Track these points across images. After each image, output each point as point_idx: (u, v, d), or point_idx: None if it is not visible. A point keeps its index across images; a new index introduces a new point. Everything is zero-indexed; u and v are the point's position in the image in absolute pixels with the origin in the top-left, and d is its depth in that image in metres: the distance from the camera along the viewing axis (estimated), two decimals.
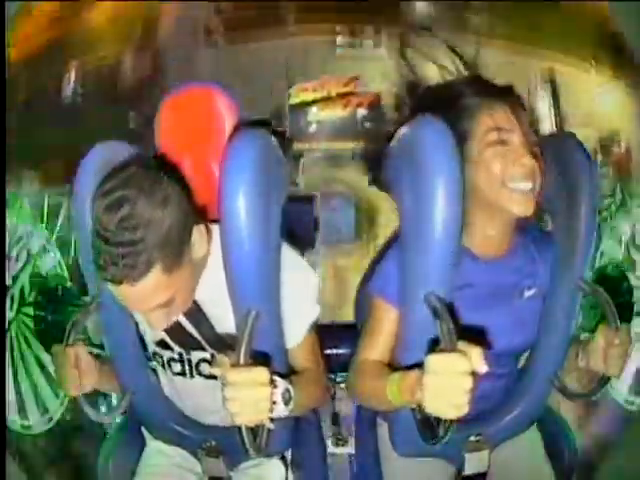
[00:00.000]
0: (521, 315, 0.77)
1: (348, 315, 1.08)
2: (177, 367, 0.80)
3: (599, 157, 1.41)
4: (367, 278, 0.83)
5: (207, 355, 0.78)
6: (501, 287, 0.76)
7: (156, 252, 0.61)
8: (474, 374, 0.52)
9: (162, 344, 0.79)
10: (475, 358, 0.53)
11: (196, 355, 0.79)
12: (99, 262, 0.61)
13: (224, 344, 0.75)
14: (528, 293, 0.78)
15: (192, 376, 0.80)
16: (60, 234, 1.11)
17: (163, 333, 0.78)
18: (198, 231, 0.68)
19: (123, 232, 0.59)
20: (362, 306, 0.84)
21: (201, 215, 0.70)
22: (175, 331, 0.77)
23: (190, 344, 0.78)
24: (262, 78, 1.80)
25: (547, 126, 1.51)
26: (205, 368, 0.79)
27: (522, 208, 0.69)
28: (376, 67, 1.94)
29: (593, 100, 1.47)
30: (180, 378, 0.81)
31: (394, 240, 0.78)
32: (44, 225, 1.10)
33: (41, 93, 1.39)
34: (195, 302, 0.75)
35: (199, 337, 0.77)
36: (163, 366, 0.81)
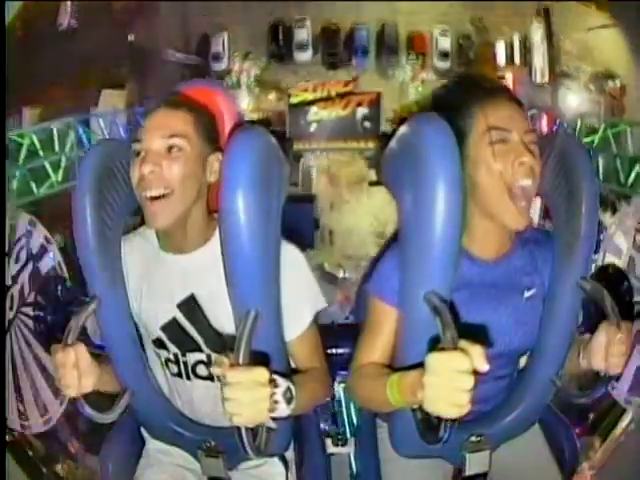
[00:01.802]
0: (521, 315, 0.77)
1: None
2: (174, 368, 0.80)
3: (592, 88, 1.45)
4: (367, 278, 0.83)
5: (203, 357, 0.78)
6: (500, 288, 0.76)
7: (196, 115, 0.74)
8: (475, 373, 0.52)
9: (159, 343, 0.79)
10: (476, 357, 0.52)
11: (192, 357, 0.79)
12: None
13: (221, 344, 0.76)
14: (528, 293, 0.77)
15: (189, 378, 0.80)
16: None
17: (160, 332, 0.78)
18: (215, 158, 0.75)
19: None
20: (363, 306, 0.84)
21: (220, 147, 0.77)
22: (172, 329, 0.77)
23: (186, 344, 0.78)
24: None
25: (540, 60, 1.56)
26: (202, 370, 0.79)
27: (515, 224, 0.70)
28: None
29: (590, 37, 1.51)
30: (178, 380, 0.81)
31: (393, 241, 0.78)
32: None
33: (37, 20, 1.45)
34: (193, 296, 0.75)
35: (196, 335, 0.77)
36: (162, 366, 0.81)
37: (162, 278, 0.77)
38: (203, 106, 0.77)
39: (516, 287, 0.77)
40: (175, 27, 1.69)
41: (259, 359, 0.61)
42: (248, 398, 0.57)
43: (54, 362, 0.66)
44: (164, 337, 0.78)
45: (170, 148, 0.71)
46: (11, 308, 1.01)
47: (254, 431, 0.60)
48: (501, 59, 1.60)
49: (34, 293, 1.00)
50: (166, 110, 0.73)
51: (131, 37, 1.64)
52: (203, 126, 0.74)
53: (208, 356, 0.78)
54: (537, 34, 1.60)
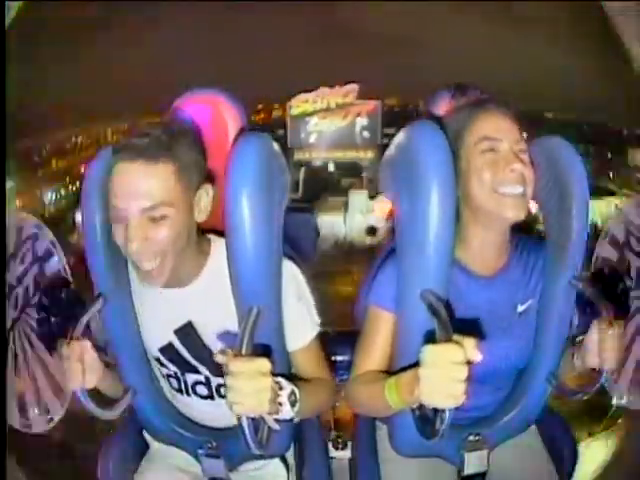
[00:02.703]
0: (516, 331, 0.78)
1: None
2: (175, 383, 0.81)
3: None
4: (364, 292, 0.84)
5: (202, 378, 0.79)
6: (496, 304, 0.77)
7: (177, 155, 0.66)
8: (469, 363, 0.54)
9: (158, 361, 0.80)
10: (469, 348, 0.54)
11: (191, 377, 0.79)
12: (127, 140, 0.64)
13: (219, 366, 0.75)
14: (521, 307, 0.79)
15: (189, 394, 0.81)
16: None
17: (158, 353, 0.78)
18: (206, 190, 0.71)
19: (158, 128, 0.67)
20: (361, 318, 0.85)
21: (212, 180, 0.73)
22: (169, 352, 0.78)
23: (184, 366, 0.78)
24: None
25: None
26: (201, 389, 0.80)
27: (514, 212, 0.71)
28: None
29: None
30: (178, 394, 0.82)
31: (389, 250, 0.80)
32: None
33: None
34: (190, 323, 0.76)
35: (192, 359, 0.78)
36: (163, 378, 0.82)
37: (158, 307, 0.76)
38: (188, 129, 0.70)
39: (510, 303, 0.78)
40: None
41: (260, 353, 0.62)
42: (250, 387, 0.58)
43: (59, 355, 0.67)
44: (162, 358, 0.79)
45: (153, 219, 0.65)
46: (15, 308, 1.02)
47: (255, 424, 0.61)
48: None
49: (39, 295, 1.01)
50: (143, 166, 0.63)
51: None
52: (187, 167, 0.67)
53: (206, 378, 0.78)
54: None
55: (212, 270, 0.75)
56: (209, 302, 0.74)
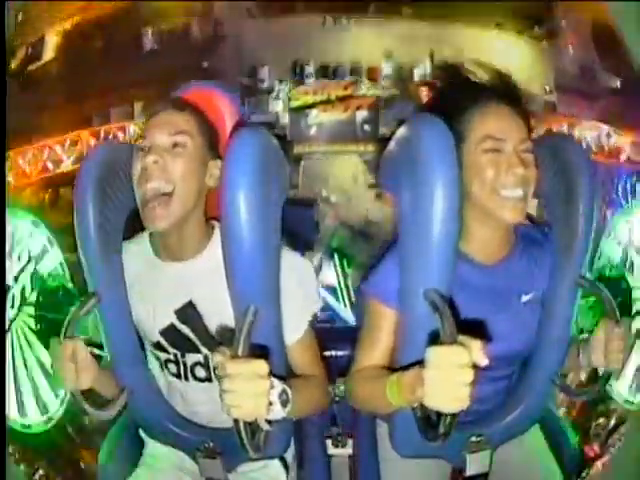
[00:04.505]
0: (519, 320, 0.77)
1: None
2: (173, 368, 0.81)
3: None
4: (366, 281, 0.83)
5: (201, 358, 0.78)
6: (499, 292, 0.76)
7: (197, 116, 0.76)
8: (474, 367, 0.52)
9: (158, 346, 0.79)
10: (475, 351, 0.53)
11: (191, 358, 0.79)
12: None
13: (218, 344, 0.75)
14: (526, 297, 0.78)
15: (187, 379, 0.80)
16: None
17: (159, 336, 0.78)
18: (215, 164, 0.76)
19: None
20: (361, 307, 0.84)
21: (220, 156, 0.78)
22: (171, 333, 0.77)
23: (185, 346, 0.78)
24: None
25: None
26: (200, 372, 0.79)
27: (513, 215, 0.70)
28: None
29: (493, 52, 2.00)
30: (176, 380, 0.81)
31: (391, 243, 0.78)
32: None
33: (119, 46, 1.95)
34: (191, 303, 0.76)
35: (194, 338, 0.77)
36: (161, 367, 0.82)
37: (159, 285, 0.77)
38: (205, 111, 0.79)
39: (514, 291, 0.77)
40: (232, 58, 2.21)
41: (258, 354, 0.61)
42: (248, 390, 0.57)
43: (51, 355, 0.66)
44: (163, 341, 0.79)
45: (174, 145, 0.72)
46: (12, 307, 1.01)
47: (252, 428, 0.60)
48: None
49: (35, 293, 1.01)
50: (171, 111, 0.75)
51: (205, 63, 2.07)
52: (205, 129, 0.76)
53: (205, 357, 0.78)
54: None
55: (213, 251, 0.75)
56: (210, 281, 0.74)
